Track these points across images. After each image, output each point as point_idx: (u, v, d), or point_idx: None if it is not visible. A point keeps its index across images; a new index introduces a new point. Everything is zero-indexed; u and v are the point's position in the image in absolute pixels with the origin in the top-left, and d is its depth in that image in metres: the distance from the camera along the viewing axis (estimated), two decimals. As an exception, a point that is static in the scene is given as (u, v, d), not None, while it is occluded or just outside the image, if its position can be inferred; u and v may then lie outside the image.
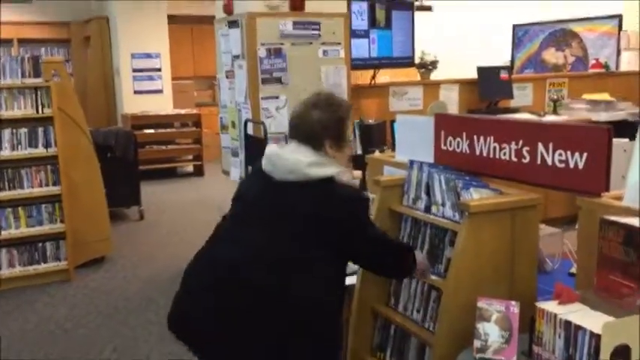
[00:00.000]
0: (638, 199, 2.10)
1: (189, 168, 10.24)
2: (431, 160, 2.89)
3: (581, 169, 2.27)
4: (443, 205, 2.55)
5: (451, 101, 6.07)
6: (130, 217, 7.21)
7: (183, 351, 3.68)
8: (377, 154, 3.76)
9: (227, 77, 5.15)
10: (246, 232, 2.19)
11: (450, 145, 2.86)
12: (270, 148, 2.26)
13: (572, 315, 1.96)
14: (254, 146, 4.58)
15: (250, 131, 4.72)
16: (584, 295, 2.07)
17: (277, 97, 4.76)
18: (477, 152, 2.70)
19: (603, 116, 5.92)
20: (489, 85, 6.07)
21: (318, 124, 2.19)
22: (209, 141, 10.04)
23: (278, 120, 4.75)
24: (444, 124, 2.90)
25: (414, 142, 3.13)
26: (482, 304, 2.18)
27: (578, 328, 1.90)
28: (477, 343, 2.15)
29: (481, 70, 6.10)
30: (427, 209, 2.64)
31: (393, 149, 4.99)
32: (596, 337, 1.83)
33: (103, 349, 3.84)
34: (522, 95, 6.37)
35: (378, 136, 5.31)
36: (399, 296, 2.72)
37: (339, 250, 2.16)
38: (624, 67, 7.51)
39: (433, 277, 2.47)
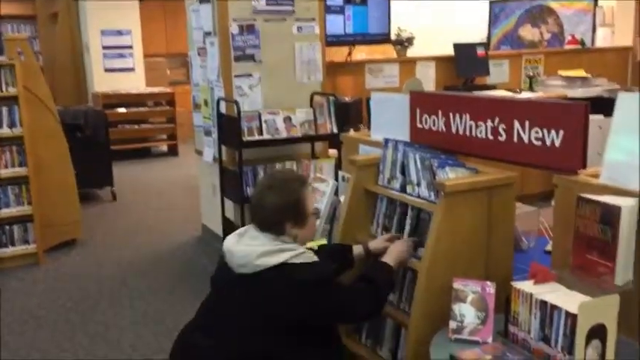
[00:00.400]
0: (615, 176, 2.06)
1: (164, 147, 10.08)
2: (406, 138, 2.84)
3: (557, 147, 2.23)
4: (418, 184, 2.50)
5: (427, 78, 6.02)
6: (102, 198, 7.07)
7: (153, 335, 3.64)
8: (352, 132, 3.69)
9: (199, 55, 5.03)
10: (217, 321, 2.21)
11: (426, 123, 2.80)
12: (227, 242, 2.24)
13: (548, 295, 1.93)
14: (227, 125, 4.48)
15: (223, 110, 4.61)
16: (560, 274, 2.05)
17: (251, 75, 4.65)
18: (453, 130, 2.65)
19: (579, 92, 5.92)
20: (466, 62, 6.02)
21: (275, 210, 2.17)
22: (183, 120, 9.88)
23: (252, 98, 4.64)
24: (420, 102, 2.85)
25: (389, 120, 3.07)
26: (457, 285, 2.14)
27: (554, 308, 1.87)
28: (452, 324, 2.12)
29: (457, 47, 6.05)
30: (402, 189, 2.59)
31: (369, 127, 4.94)
32: (572, 317, 1.81)
33: (75, 335, 3.75)
34: (499, 72, 6.33)
35: (354, 114, 5.25)
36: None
37: (309, 328, 2.14)
38: (599, 43, 7.51)
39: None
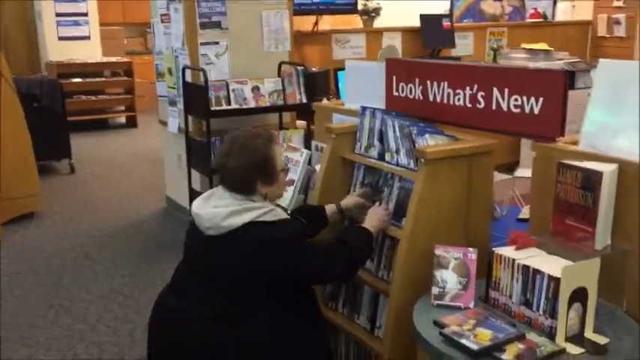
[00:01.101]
0: (594, 143, 2.09)
1: (122, 119, 9.81)
2: (382, 106, 2.81)
3: (536, 114, 2.24)
4: (397, 152, 2.48)
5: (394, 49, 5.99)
6: (60, 170, 6.85)
7: (121, 308, 3.57)
8: (325, 102, 3.64)
9: (162, 21, 4.87)
10: (188, 283, 2.19)
11: (402, 92, 2.78)
12: (194, 205, 2.20)
13: (530, 260, 1.96)
14: (193, 94, 4.37)
15: (189, 79, 4.49)
16: (540, 240, 2.08)
17: (217, 43, 4.54)
18: (431, 98, 2.64)
19: (542, 65, 5.99)
20: (432, 34, 6.01)
21: (241, 171, 2.12)
22: (142, 91, 9.64)
23: (218, 67, 4.54)
24: (396, 70, 2.82)
25: (363, 88, 3.04)
26: (439, 251, 2.15)
27: (537, 272, 1.89)
28: (434, 290, 2.12)
29: (424, 18, 6.03)
30: (381, 157, 2.57)
31: (338, 98, 4.90)
32: (554, 281, 1.83)
33: (39, 309, 3.64)
34: (464, 44, 6.36)
35: (322, 84, 5.19)
36: (351, 246, 2.66)
37: (280, 288, 2.12)
38: (560, 17, 7.60)
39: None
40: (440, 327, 1.93)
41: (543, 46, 6.51)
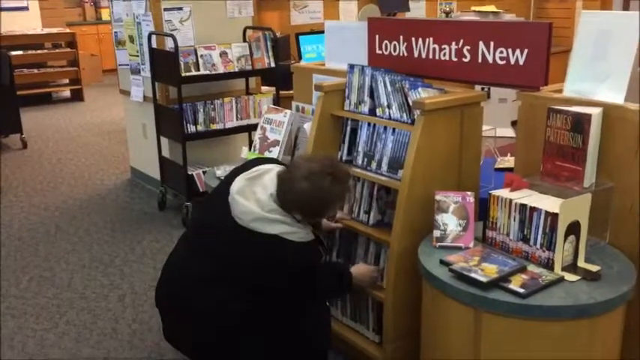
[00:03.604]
0: (578, 89, 2.25)
1: (66, 93, 9.52)
2: (364, 64, 2.90)
3: (521, 65, 2.39)
4: (389, 106, 2.58)
5: (350, 13, 6.07)
6: (10, 146, 6.64)
7: (105, 276, 3.58)
8: (303, 62, 3.70)
9: (121, -13, 4.77)
10: (194, 261, 2.21)
11: (386, 49, 2.88)
12: (236, 184, 2.16)
13: (526, 199, 2.11)
14: (162, 61, 4.33)
15: (154, 45, 4.44)
16: (532, 181, 2.24)
17: (181, 9, 4.50)
18: (416, 54, 2.74)
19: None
20: (387, -2, 6.09)
21: (292, 196, 2.10)
22: (83, 63, 9.36)
23: (182, 33, 4.50)
24: (379, 28, 2.91)
25: (345, 48, 3.12)
26: (439, 196, 2.28)
27: (534, 209, 2.05)
28: (436, 233, 2.26)
29: (379, -18, 6.10)
30: (372, 112, 2.67)
31: (299, 62, 4.95)
32: (551, 216, 2.00)
33: (19, 281, 3.60)
34: (417, 8, 6.49)
35: (283, 49, 5.22)
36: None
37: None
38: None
39: (383, 178, 2.53)
40: (447, 265, 2.07)
41: (491, 8, 6.73)
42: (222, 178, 2.57)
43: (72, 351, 2.89)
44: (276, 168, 2.23)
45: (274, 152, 3.19)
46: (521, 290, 1.88)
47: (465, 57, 2.55)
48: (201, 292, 2.16)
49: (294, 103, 3.33)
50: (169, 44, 4.25)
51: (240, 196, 2.13)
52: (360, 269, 2.50)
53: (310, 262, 2.21)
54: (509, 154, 3.53)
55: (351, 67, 2.76)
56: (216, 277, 2.15)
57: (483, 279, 1.94)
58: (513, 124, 6.09)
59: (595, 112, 2.09)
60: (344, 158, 2.77)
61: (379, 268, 2.55)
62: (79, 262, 3.83)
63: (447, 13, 6.55)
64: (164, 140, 4.59)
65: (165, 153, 4.63)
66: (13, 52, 8.44)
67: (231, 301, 2.13)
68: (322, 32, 3.81)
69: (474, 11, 6.57)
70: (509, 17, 6.58)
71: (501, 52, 2.43)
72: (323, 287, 2.32)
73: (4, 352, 2.89)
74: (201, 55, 4.26)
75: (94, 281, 3.57)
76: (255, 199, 2.12)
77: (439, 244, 2.25)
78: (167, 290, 2.32)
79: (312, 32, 5.34)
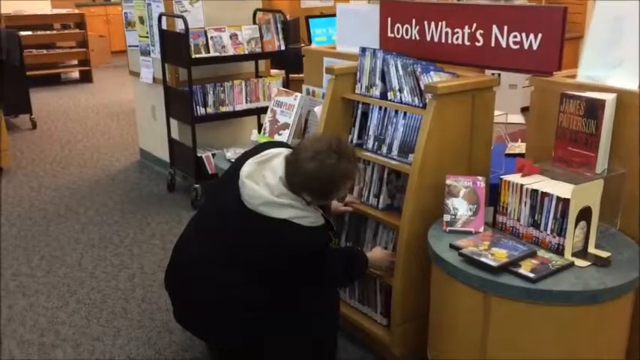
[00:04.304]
0: (592, 75, 2.24)
1: (75, 74, 9.53)
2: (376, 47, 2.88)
3: (535, 50, 2.37)
4: (400, 90, 2.58)
5: (361, -3, 6.02)
6: (20, 126, 6.67)
7: (114, 256, 3.60)
8: (314, 45, 3.68)
9: (131, -32, 4.75)
10: (205, 244, 2.23)
11: (398, 33, 2.86)
12: (245, 168, 2.15)
13: (537, 184, 2.11)
14: (172, 43, 4.32)
15: (164, 26, 4.43)
16: (543, 167, 2.23)
17: (191, -10, 4.48)
18: (428, 38, 2.73)
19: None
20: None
21: (302, 177, 2.08)
22: (92, 45, 9.35)
23: (193, 14, 4.48)
24: (391, 12, 2.89)
25: (356, 31, 3.10)
26: (450, 181, 2.28)
27: (545, 195, 2.05)
28: (446, 218, 2.26)
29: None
30: (383, 96, 2.66)
31: (309, 45, 4.93)
32: (562, 202, 1.99)
33: (30, 259, 3.63)
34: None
35: (294, 32, 5.21)
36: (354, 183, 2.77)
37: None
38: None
39: (394, 162, 2.53)
40: (456, 249, 2.07)
41: (503, -8, 6.66)
42: (233, 160, 2.57)
43: (82, 329, 2.92)
44: (285, 151, 2.22)
45: (284, 135, 3.19)
46: (531, 275, 1.88)
47: (478, 41, 2.54)
48: (212, 275, 2.18)
49: (304, 86, 3.32)
50: (179, 26, 4.24)
51: (250, 179, 2.13)
52: (376, 254, 2.49)
53: (320, 246, 2.21)
54: (519, 140, 3.52)
55: (363, 50, 2.75)
56: (226, 260, 2.16)
57: (493, 263, 1.94)
58: (523, 110, 6.06)
59: (609, 97, 2.08)
60: (354, 142, 2.77)
61: (395, 253, 2.55)
62: (88, 241, 3.86)
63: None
64: (173, 122, 4.59)
65: (175, 135, 4.64)
66: (23, 33, 8.44)
67: (242, 284, 2.14)
68: (332, 15, 3.80)
69: (486, -5, 6.50)
70: (521, 1, 6.52)
71: (515, 36, 2.41)
72: (334, 273, 2.32)
73: (16, 328, 2.93)
74: (211, 37, 4.25)
75: (104, 261, 3.60)
76: (265, 183, 2.12)
77: (449, 228, 2.25)
78: (177, 274, 2.33)
79: (322, 15, 5.31)
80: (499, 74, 5.07)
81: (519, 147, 3.36)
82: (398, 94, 2.59)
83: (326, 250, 2.27)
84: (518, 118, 6.14)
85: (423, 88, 2.44)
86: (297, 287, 2.24)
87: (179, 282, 2.32)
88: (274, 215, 2.09)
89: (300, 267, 2.16)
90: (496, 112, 2.70)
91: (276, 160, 2.19)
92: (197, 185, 4.33)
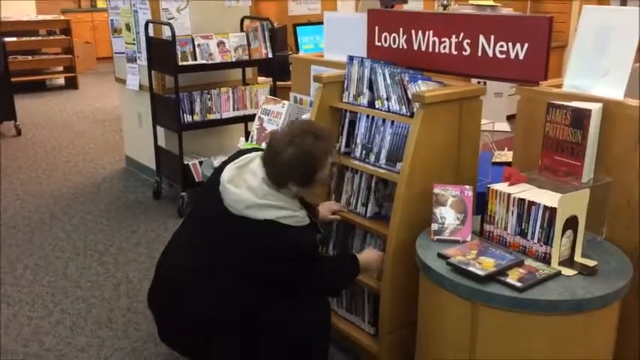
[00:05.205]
0: (577, 85, 2.25)
1: (60, 80, 9.46)
2: (363, 56, 2.89)
3: (521, 59, 2.38)
4: (388, 99, 2.58)
5: (348, 6, 6.05)
6: (4, 133, 6.60)
7: (100, 265, 3.57)
8: (301, 53, 3.68)
9: (118, -25, 4.73)
10: (195, 239, 2.21)
11: (385, 41, 2.87)
12: (225, 173, 2.15)
13: (524, 193, 2.12)
14: (159, 50, 4.30)
15: (151, 33, 4.41)
16: (530, 175, 2.24)
17: (178, -3, 4.47)
18: (415, 47, 2.74)
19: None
20: (385, -11, 6.08)
21: (287, 166, 2.09)
22: (77, 51, 9.29)
23: (180, 22, 4.46)
24: (379, 20, 2.90)
25: (344, 40, 3.11)
26: (438, 190, 2.28)
27: (532, 204, 2.06)
28: (434, 227, 2.26)
29: (377, -26, 6.08)
30: (370, 104, 2.66)
31: (297, 53, 4.93)
32: (549, 211, 2.00)
33: (14, 268, 3.59)
34: (414, 0, 6.46)
35: (281, 40, 5.21)
36: (341, 192, 2.77)
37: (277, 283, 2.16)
38: (502, -26, 7.82)
39: (382, 171, 2.53)
40: (444, 258, 2.07)
41: (489, 1, 6.71)
42: (215, 169, 2.55)
43: (67, 339, 2.89)
44: (260, 153, 2.23)
45: (272, 143, 3.18)
46: (519, 284, 1.88)
47: (465, 50, 2.55)
48: (199, 286, 2.14)
49: (292, 94, 3.32)
50: (166, 33, 4.22)
51: (231, 184, 2.12)
52: (368, 256, 2.47)
53: (310, 245, 2.19)
54: (506, 149, 3.54)
55: (351, 58, 2.76)
56: (213, 269, 2.14)
57: (481, 272, 1.94)
58: (509, 118, 6.10)
59: (595, 107, 2.09)
60: (342, 150, 2.76)
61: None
62: (74, 250, 3.82)
63: (445, 6, 6.52)
64: (160, 129, 4.57)
65: (161, 142, 4.61)
66: (7, 39, 8.37)
67: (230, 292, 2.12)
68: (320, 23, 3.80)
69: (472, 5, 6.55)
70: (506, 11, 6.57)
71: (501, 46, 2.43)
72: (326, 276, 2.30)
73: (-2, 340, 2.90)
74: (199, 45, 4.24)
75: (89, 270, 3.56)
76: (247, 186, 2.11)
77: (437, 237, 2.25)
78: (162, 290, 2.29)
79: (309, 23, 5.32)
80: (485, 82, 5.10)
81: (506, 155, 3.38)
82: (385, 102, 2.59)
83: (316, 251, 2.26)
84: (504, 126, 6.18)
85: (410, 96, 2.44)
86: (290, 292, 2.21)
87: (165, 298, 2.26)
88: (260, 217, 2.08)
89: (290, 267, 2.13)
90: (483, 121, 2.72)
91: (253, 164, 2.19)
92: (184, 193, 4.30)
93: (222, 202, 2.12)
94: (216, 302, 2.12)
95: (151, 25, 4.36)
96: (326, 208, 2.64)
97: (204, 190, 2.36)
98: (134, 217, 4.33)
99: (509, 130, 6.04)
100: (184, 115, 4.21)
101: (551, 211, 1.99)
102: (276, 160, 2.10)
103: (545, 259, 2.03)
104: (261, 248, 2.10)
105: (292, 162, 2.09)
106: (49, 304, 3.20)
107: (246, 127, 4.60)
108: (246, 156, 2.23)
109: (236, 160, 2.21)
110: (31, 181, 5.11)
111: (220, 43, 4.34)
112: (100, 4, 10.84)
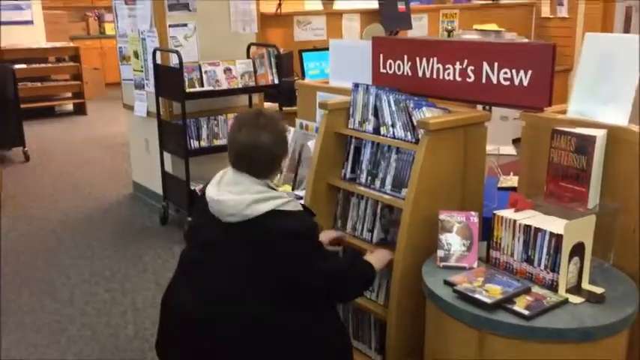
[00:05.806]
0: (581, 111, 2.26)
1: (69, 107, 9.55)
2: (368, 83, 2.91)
3: (525, 86, 2.40)
4: (393, 125, 2.59)
5: (353, 30, 6.11)
6: (13, 159, 6.65)
7: (106, 291, 3.56)
8: (307, 80, 3.72)
9: (126, 3, 4.80)
10: (202, 271, 2.12)
11: (390, 68, 2.89)
12: (209, 191, 2.13)
13: (530, 220, 2.11)
14: (166, 77, 4.35)
15: (159, 61, 4.47)
16: (535, 201, 2.24)
17: (185, 25, 4.53)
18: (420, 74, 2.76)
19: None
20: (390, 15, 6.15)
21: (273, 147, 2.09)
22: (86, 77, 9.40)
23: (187, 49, 4.53)
24: (383, 47, 2.93)
25: (349, 66, 3.13)
26: (443, 216, 2.28)
27: (538, 230, 2.05)
28: (440, 253, 2.26)
29: (382, 0, 6.16)
30: (376, 131, 2.67)
31: (303, 79, 4.98)
32: (556, 237, 1.99)
33: (19, 294, 3.59)
34: (419, 26, 6.54)
35: (287, 66, 5.25)
36: (347, 217, 2.77)
37: (291, 290, 2.07)
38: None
39: (387, 197, 2.54)
40: (451, 285, 2.06)
41: (493, 26, 6.77)
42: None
43: (72, 367, 2.88)
44: (226, 169, 2.21)
45: (277, 169, 3.19)
46: (526, 312, 1.87)
47: (469, 77, 2.57)
48: (227, 312, 2.05)
49: (297, 121, 3.34)
50: (174, 60, 4.27)
51: (220, 195, 2.09)
52: (378, 255, 2.42)
53: (313, 227, 2.17)
54: (511, 173, 3.53)
55: (356, 85, 2.78)
56: (227, 295, 2.06)
57: (488, 300, 1.93)
58: (515, 141, 6.11)
59: (599, 134, 2.10)
60: (347, 176, 2.77)
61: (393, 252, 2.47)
62: (80, 276, 3.82)
63: (449, 32, 6.59)
64: (167, 155, 4.60)
65: (168, 168, 4.64)
66: (17, 66, 8.48)
67: (262, 311, 2.04)
68: (325, 49, 3.83)
69: (476, 30, 6.61)
70: (510, 36, 6.63)
71: (505, 72, 2.44)
72: (339, 268, 2.25)
73: (4, 368, 2.89)
74: (206, 71, 4.29)
75: (95, 296, 3.56)
76: (236, 192, 2.08)
77: (443, 263, 2.24)
78: (173, 336, 2.17)
79: (315, 49, 5.37)
80: (490, 108, 5.13)
81: (511, 180, 3.37)
82: (391, 129, 2.60)
83: (318, 235, 2.25)
84: (509, 150, 6.19)
85: (415, 123, 2.46)
86: (306, 305, 2.13)
87: (182, 339, 2.12)
88: (261, 211, 2.04)
89: (301, 253, 2.06)
90: (488, 147, 2.72)
91: (227, 175, 2.16)
92: (190, 218, 4.31)
93: (220, 221, 2.08)
94: (252, 323, 2.04)
95: (158, 53, 4.42)
96: (326, 237, 2.64)
97: (197, 218, 2.31)
98: (141, 242, 4.34)
99: (514, 153, 6.05)
100: (191, 140, 4.24)
101: (558, 238, 1.99)
102: (245, 153, 2.09)
103: (552, 287, 2.02)
104: (269, 236, 2.04)
105: (259, 142, 2.08)
106: (55, 331, 3.20)
107: (252, 152, 4.61)
108: (216, 175, 2.21)
109: (210, 182, 2.19)
110: (39, 207, 5.14)
111: (227, 70, 4.38)
112: (109, 31, 10.99)
